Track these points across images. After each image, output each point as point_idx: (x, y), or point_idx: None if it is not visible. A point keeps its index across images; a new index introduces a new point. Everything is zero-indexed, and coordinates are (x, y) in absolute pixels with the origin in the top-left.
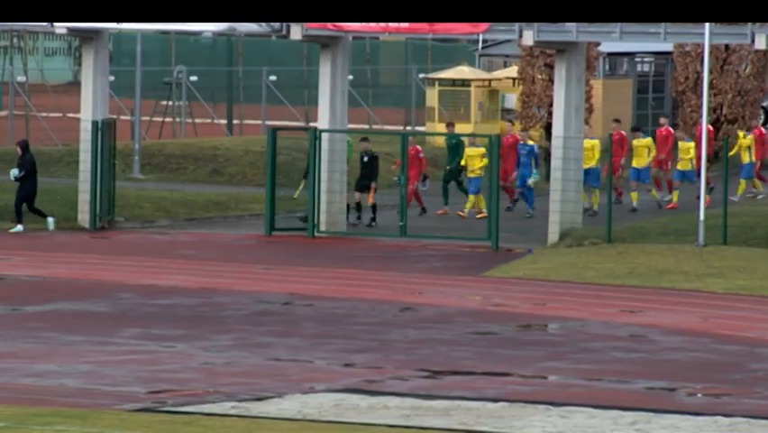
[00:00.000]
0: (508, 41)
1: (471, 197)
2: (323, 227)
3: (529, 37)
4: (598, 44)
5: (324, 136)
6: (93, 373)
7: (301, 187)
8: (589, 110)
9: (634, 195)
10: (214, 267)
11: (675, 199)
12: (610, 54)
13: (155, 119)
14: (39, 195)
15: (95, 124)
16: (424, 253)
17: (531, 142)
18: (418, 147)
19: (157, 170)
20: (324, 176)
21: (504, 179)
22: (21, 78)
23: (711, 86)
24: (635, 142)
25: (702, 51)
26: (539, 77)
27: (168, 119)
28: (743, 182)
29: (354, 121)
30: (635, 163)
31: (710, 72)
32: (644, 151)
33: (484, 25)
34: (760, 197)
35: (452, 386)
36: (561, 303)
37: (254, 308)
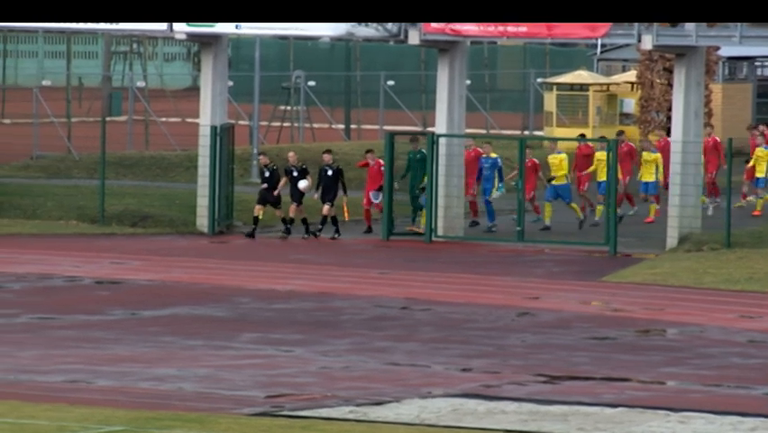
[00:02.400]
0: (627, 45)
1: (424, 212)
2: (440, 232)
3: (648, 41)
4: (718, 48)
5: (442, 141)
6: (211, 378)
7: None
8: (709, 114)
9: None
10: (331, 271)
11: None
12: (730, 58)
13: (273, 124)
14: (158, 199)
15: (213, 129)
16: (541, 258)
17: (493, 155)
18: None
19: None
20: (441, 180)
21: (466, 193)
22: (140, 84)
23: None
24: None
25: None
26: (658, 81)
27: (286, 124)
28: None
29: (472, 126)
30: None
31: None
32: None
33: (603, 30)
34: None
35: (570, 391)
36: (679, 308)
37: (372, 313)
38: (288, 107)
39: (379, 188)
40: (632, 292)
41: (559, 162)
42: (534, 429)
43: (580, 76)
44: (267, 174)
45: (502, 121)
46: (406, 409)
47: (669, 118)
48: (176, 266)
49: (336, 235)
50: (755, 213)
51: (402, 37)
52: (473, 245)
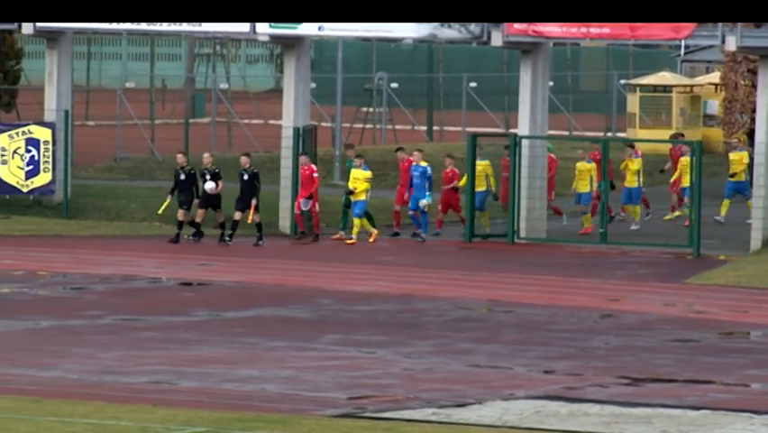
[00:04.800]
0: (711, 46)
1: (357, 220)
2: (522, 234)
3: (732, 42)
4: None
5: (525, 142)
6: (294, 379)
7: (164, 205)
8: None
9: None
10: (413, 273)
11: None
12: None
13: (356, 126)
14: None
15: (296, 130)
16: (624, 260)
17: (423, 164)
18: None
19: None
20: (524, 182)
21: (398, 202)
22: (223, 86)
23: None
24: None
25: None
26: (742, 82)
27: (368, 126)
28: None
29: (555, 127)
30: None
31: None
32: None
33: (686, 31)
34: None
35: (653, 393)
36: (764, 310)
37: (454, 315)
38: (371, 109)
39: (309, 197)
40: (715, 294)
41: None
42: (616, 432)
43: (663, 77)
44: (182, 177)
45: (585, 122)
46: (488, 411)
47: (753, 120)
48: (259, 267)
49: (259, 242)
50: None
51: (485, 39)
52: (556, 247)
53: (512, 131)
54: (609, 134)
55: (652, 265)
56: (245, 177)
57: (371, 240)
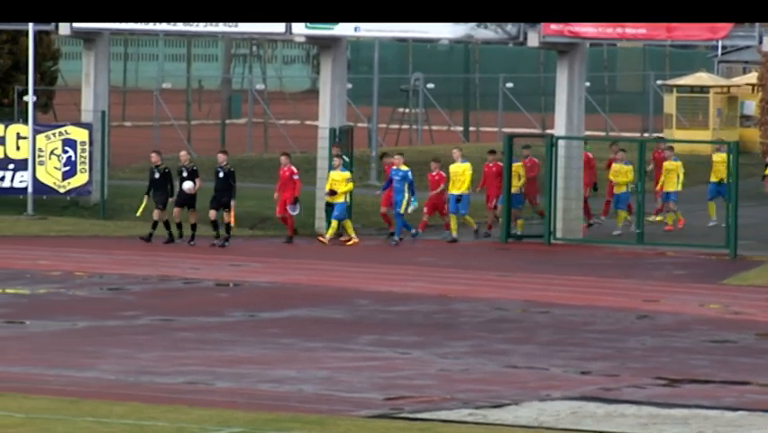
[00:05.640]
0: (748, 47)
1: (334, 222)
2: (559, 234)
3: None
4: None
5: (561, 143)
6: (330, 379)
7: (142, 206)
8: None
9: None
10: (449, 274)
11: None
12: None
13: (392, 126)
14: (268, 200)
15: (332, 131)
16: (661, 261)
17: (404, 168)
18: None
19: None
20: (560, 183)
21: (383, 204)
22: (259, 86)
23: None
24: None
25: None
26: None
27: (404, 126)
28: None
29: (591, 128)
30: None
31: None
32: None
33: (723, 31)
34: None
35: (690, 394)
36: None
37: (490, 316)
38: (407, 110)
39: (295, 201)
40: (752, 295)
41: (463, 172)
42: None
43: (700, 78)
44: (157, 175)
45: (621, 123)
46: (524, 412)
47: None
48: (294, 268)
49: (225, 243)
50: (667, 228)
51: (521, 39)
52: (592, 248)
53: (548, 131)
54: (646, 135)
55: (688, 266)
56: (221, 174)
57: (349, 243)
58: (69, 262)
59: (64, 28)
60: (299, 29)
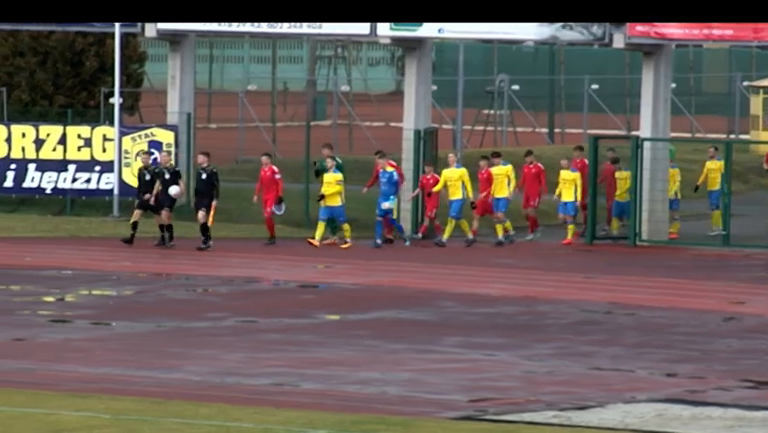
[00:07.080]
0: None
1: (321, 224)
2: (644, 236)
3: None
4: None
5: (647, 145)
6: (415, 381)
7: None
8: None
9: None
10: (534, 276)
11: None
12: None
13: (477, 128)
14: (363, 203)
15: (417, 133)
16: (747, 263)
17: (390, 169)
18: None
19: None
20: (645, 185)
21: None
22: (344, 88)
23: None
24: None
25: None
26: None
27: (489, 128)
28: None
29: (677, 129)
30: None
31: None
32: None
33: None
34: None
35: None
36: None
37: (575, 317)
38: (492, 111)
39: (279, 201)
40: None
41: (459, 177)
42: None
43: None
44: (148, 177)
45: (707, 124)
46: (610, 414)
47: None
48: (379, 270)
49: (205, 246)
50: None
51: (607, 40)
52: (678, 249)
53: (634, 133)
54: (732, 136)
55: None
56: (203, 176)
57: (344, 246)
58: (155, 263)
59: (150, 30)
60: (384, 30)
